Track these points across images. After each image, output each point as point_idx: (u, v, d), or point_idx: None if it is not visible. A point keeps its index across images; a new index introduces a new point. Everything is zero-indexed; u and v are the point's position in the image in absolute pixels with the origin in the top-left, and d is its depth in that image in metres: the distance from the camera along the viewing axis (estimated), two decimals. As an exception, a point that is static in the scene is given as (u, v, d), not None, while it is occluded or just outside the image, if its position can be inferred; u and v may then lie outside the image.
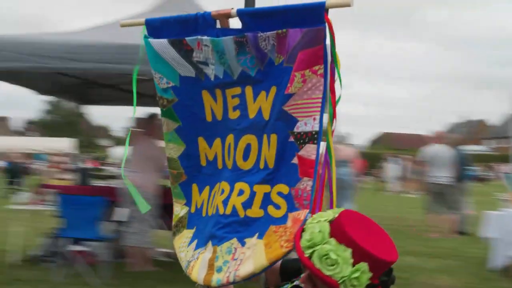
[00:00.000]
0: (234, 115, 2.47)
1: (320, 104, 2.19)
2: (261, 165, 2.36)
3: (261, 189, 2.32)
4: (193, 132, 2.62)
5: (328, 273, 1.67)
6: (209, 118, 2.58)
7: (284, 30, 2.25)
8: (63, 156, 43.14)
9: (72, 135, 60.09)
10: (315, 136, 2.20)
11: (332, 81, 2.20)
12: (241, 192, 2.38)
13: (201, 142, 2.60)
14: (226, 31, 2.45)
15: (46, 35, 6.37)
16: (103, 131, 76.91)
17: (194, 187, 2.66)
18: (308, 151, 2.21)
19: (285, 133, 2.27)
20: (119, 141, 61.60)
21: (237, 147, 2.44)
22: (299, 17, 2.21)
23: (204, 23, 2.50)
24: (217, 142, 2.54)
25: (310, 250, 1.73)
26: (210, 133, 2.57)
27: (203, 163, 2.61)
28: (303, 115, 2.21)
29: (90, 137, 68.00)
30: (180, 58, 2.53)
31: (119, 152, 40.24)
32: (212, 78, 2.50)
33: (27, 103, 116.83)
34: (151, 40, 2.59)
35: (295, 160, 2.24)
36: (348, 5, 2.15)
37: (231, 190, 2.41)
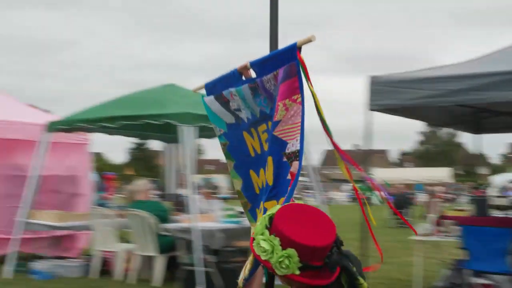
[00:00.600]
0: (266, 146, 2.87)
1: (299, 128, 2.59)
2: (265, 184, 2.80)
3: (269, 205, 2.65)
4: (245, 167, 3.09)
5: (264, 258, 2.03)
6: (252, 153, 3.05)
7: (276, 71, 2.73)
8: (440, 185, 43.42)
9: (447, 164, 60.28)
10: (297, 154, 2.62)
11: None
12: (263, 210, 2.75)
13: (252, 174, 3.03)
14: (246, 80, 2.97)
15: (439, 69, 6.52)
16: (480, 159, 74.62)
17: (257, 211, 2.98)
18: (295, 167, 2.62)
19: (279, 155, 2.68)
20: (497, 169, 59.30)
21: None
22: (283, 58, 2.68)
23: (234, 77, 3.03)
24: (261, 171, 2.93)
25: (254, 240, 2.09)
26: (255, 165, 3.00)
27: (257, 191, 3.02)
28: (290, 138, 2.63)
29: (467, 166, 66.79)
30: (223, 109, 3.08)
31: (499, 180, 38.55)
32: (246, 120, 3.02)
33: (404, 135, 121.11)
34: (205, 98, 3.18)
35: (289, 176, 2.65)
36: (310, 40, 2.61)
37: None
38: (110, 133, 9.75)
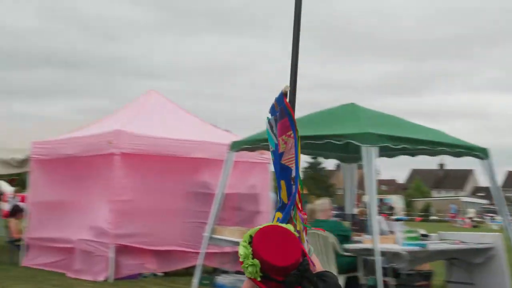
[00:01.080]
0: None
1: (294, 157, 3.21)
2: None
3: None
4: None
5: (240, 259, 2.44)
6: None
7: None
8: None
9: None
10: (293, 178, 3.18)
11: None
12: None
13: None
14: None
15: None
16: None
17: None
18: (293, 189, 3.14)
19: (288, 179, 3.22)
20: None
21: None
22: (279, 102, 3.31)
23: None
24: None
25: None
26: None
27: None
28: (291, 165, 3.21)
29: None
30: (270, 131, 3.48)
31: None
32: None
33: None
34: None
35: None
36: (286, 91, 3.28)
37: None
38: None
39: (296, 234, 2.74)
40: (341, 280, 8.03)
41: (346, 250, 7.92)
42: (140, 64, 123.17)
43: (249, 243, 2.60)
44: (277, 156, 3.55)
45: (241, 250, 2.58)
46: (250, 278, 2.52)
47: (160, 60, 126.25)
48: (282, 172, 3.39)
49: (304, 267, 2.57)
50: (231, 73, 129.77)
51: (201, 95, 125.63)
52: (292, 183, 3.31)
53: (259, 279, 2.52)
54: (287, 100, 3.41)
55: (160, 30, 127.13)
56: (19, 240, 12.00)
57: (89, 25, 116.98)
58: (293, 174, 3.29)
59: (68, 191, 10.79)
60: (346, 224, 9.22)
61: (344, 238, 8.23)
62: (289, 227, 2.80)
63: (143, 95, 12.11)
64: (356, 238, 8.61)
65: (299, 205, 3.30)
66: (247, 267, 2.50)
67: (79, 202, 10.59)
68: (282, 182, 3.37)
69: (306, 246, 3.04)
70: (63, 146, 11.02)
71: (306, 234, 3.16)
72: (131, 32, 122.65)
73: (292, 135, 3.36)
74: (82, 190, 10.43)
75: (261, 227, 2.68)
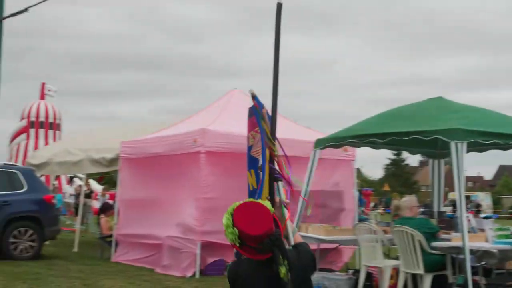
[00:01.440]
0: None
1: (261, 150, 4.24)
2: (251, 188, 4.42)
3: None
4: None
5: (224, 228, 3.12)
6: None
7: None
8: None
9: None
10: (261, 168, 4.22)
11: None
12: None
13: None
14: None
15: None
16: None
17: None
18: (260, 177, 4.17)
19: (256, 168, 4.31)
20: None
21: None
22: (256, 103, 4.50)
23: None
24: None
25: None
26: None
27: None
28: (258, 156, 4.18)
29: None
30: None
31: None
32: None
33: None
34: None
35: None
36: (253, 94, 4.50)
37: None
38: (375, 147, 9.85)
39: (272, 210, 3.24)
40: (429, 278, 7.89)
41: (434, 248, 7.77)
42: (222, 64, 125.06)
43: (231, 214, 3.16)
44: (248, 149, 4.58)
45: (224, 221, 3.15)
46: (231, 245, 3.16)
47: (242, 60, 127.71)
48: (251, 163, 4.41)
49: (275, 237, 3.07)
50: (311, 70, 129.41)
51: (282, 93, 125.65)
52: (259, 171, 4.21)
53: (237, 245, 3.11)
54: (255, 101, 4.48)
55: (241, 30, 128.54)
56: (109, 236, 12.48)
57: (172, 28, 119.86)
58: (260, 163, 4.24)
59: (155, 189, 11.12)
60: (433, 221, 9.02)
61: (432, 235, 8.08)
62: (266, 203, 3.28)
63: (226, 94, 12.29)
64: (444, 236, 8.43)
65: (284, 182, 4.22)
66: (228, 235, 3.12)
67: (166, 199, 10.89)
68: (252, 171, 4.40)
69: (290, 225, 3.84)
70: (151, 145, 11.35)
71: (289, 210, 4.06)
72: (213, 33, 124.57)
73: (259, 131, 4.28)
74: (169, 188, 10.72)
75: (241, 202, 3.26)
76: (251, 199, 3.44)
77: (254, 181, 4.33)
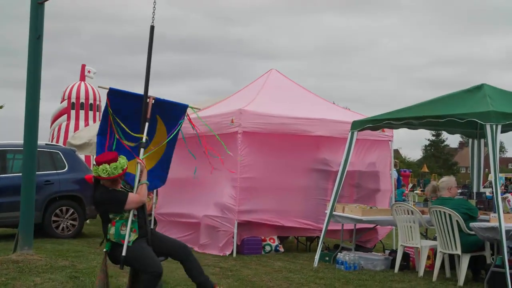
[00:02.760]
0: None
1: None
2: None
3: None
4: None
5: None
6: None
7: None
8: None
9: None
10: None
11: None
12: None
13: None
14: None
15: None
16: None
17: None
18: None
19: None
20: None
21: None
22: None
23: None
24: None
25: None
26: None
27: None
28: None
29: None
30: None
31: None
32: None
33: None
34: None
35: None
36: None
37: None
38: (412, 128, 9.80)
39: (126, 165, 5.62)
40: (466, 259, 7.85)
41: (472, 229, 7.72)
42: (260, 45, 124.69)
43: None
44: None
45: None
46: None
47: (280, 41, 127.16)
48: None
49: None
50: (349, 52, 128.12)
51: (320, 74, 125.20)
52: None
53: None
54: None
55: (280, 11, 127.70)
56: (149, 215, 12.69)
57: (212, 11, 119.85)
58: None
59: (192, 170, 11.23)
60: (472, 202, 8.95)
61: (470, 216, 8.02)
62: (122, 158, 5.61)
63: (264, 75, 12.30)
64: (482, 216, 8.36)
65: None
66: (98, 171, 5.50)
67: (204, 179, 10.99)
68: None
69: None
70: (189, 126, 11.42)
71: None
72: (252, 14, 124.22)
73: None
74: (207, 168, 10.83)
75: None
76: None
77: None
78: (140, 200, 5.65)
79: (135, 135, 5.91)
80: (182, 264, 5.85)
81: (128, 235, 5.54)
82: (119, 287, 6.87)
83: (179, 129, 6.16)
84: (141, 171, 5.75)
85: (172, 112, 6.18)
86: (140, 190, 5.69)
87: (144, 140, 5.85)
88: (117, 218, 5.60)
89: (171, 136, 6.10)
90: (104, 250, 5.64)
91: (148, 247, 5.62)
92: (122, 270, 5.66)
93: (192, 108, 6.34)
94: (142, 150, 5.84)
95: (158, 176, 6.21)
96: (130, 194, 5.62)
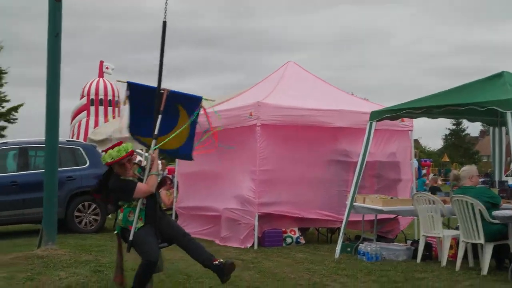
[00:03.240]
0: None
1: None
2: None
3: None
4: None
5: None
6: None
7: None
8: None
9: None
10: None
11: None
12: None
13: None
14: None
15: None
16: None
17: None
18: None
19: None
20: None
21: None
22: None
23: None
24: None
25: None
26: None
27: None
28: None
29: None
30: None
31: None
32: None
33: None
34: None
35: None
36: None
37: None
38: (431, 117, 9.74)
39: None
40: (490, 248, 7.79)
41: (495, 218, 7.65)
42: (276, 38, 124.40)
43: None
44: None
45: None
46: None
47: (296, 33, 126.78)
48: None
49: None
50: (367, 42, 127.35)
51: (338, 65, 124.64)
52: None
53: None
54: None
55: (295, 3, 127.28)
56: (169, 209, 12.76)
57: (227, 5, 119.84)
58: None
59: (213, 163, 11.27)
60: (495, 191, 8.87)
61: (492, 205, 7.95)
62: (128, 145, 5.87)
63: (282, 67, 12.29)
64: (505, 205, 8.28)
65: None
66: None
67: (223, 172, 11.04)
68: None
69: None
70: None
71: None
72: (266, 8, 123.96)
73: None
74: (226, 161, 10.86)
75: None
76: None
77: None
78: (148, 190, 5.84)
79: (142, 139, 6.30)
80: (186, 250, 6.09)
81: (136, 222, 5.77)
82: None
83: (194, 118, 6.25)
84: (152, 163, 5.95)
85: (189, 104, 6.30)
86: (149, 180, 5.88)
87: (156, 132, 6.03)
88: (125, 206, 5.87)
89: (190, 121, 6.22)
90: (115, 232, 6.03)
91: (151, 235, 5.82)
92: (129, 252, 5.90)
93: (206, 100, 6.40)
94: (153, 141, 6.00)
95: (188, 151, 6.41)
96: (139, 183, 5.83)
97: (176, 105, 6.22)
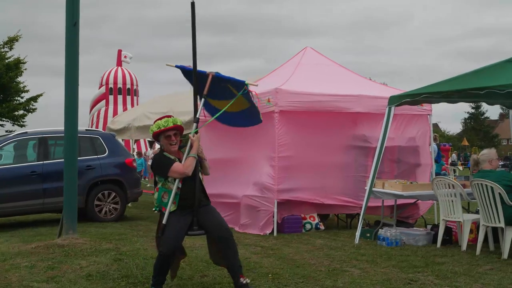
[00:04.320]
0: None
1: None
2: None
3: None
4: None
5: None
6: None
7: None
8: None
9: None
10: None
11: None
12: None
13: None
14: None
15: None
16: None
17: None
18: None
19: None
20: None
21: None
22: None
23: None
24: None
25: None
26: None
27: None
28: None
29: None
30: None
31: None
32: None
33: None
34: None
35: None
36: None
37: None
38: (451, 102, 9.62)
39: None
40: (511, 232, 7.73)
41: (515, 201, 7.58)
42: (294, 23, 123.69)
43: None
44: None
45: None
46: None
47: (314, 19, 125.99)
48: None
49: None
50: (385, 27, 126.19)
51: (356, 50, 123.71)
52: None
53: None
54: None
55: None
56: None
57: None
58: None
59: (232, 150, 11.29)
60: (516, 174, 8.78)
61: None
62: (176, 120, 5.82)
63: (299, 53, 12.23)
64: (525, 188, 8.19)
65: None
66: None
67: (242, 159, 11.04)
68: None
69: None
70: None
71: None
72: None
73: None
74: (245, 148, 10.87)
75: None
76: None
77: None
78: (183, 171, 5.66)
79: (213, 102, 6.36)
80: (218, 243, 5.87)
81: (170, 205, 5.67)
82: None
83: (244, 93, 6.16)
84: (191, 145, 5.82)
85: (235, 87, 6.23)
86: (186, 161, 5.71)
87: (198, 115, 5.98)
88: (160, 185, 5.76)
89: (239, 94, 6.13)
90: (153, 209, 5.89)
91: (179, 224, 5.68)
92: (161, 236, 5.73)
93: (249, 84, 6.24)
94: (194, 124, 5.92)
95: (252, 116, 6.44)
96: (176, 163, 5.71)
97: (226, 85, 6.19)
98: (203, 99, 6.08)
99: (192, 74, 6.12)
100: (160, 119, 5.82)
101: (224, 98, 6.24)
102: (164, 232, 5.66)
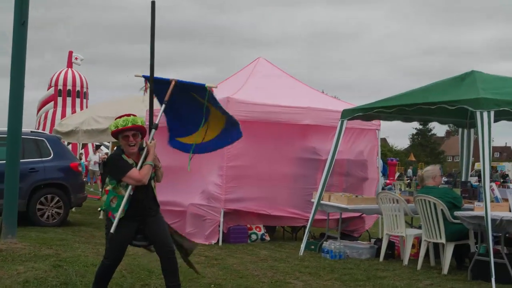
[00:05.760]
0: None
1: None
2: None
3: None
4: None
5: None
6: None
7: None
8: None
9: None
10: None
11: None
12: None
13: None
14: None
15: None
16: None
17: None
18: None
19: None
20: None
21: None
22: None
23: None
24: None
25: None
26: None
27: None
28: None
29: None
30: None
31: None
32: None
33: None
34: None
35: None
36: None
37: None
38: (405, 120, 9.85)
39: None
40: (451, 248, 7.88)
41: (456, 218, 7.75)
42: (247, 33, 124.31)
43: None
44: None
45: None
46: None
47: (268, 30, 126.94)
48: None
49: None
50: (337, 41, 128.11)
51: (308, 63, 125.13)
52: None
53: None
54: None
55: (268, 0, 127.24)
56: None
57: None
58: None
59: (180, 157, 11.16)
60: (457, 191, 8.98)
61: (454, 205, 8.05)
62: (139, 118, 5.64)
63: (252, 63, 12.24)
64: (466, 205, 8.39)
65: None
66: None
67: (191, 167, 10.94)
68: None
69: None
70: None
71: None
72: (241, 3, 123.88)
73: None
74: (194, 156, 10.77)
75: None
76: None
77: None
78: (139, 179, 5.40)
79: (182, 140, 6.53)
80: (160, 260, 5.64)
81: (120, 213, 5.38)
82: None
83: (206, 105, 6.16)
84: (148, 152, 5.57)
85: (197, 92, 6.18)
86: (143, 169, 5.45)
87: (157, 122, 5.90)
88: (111, 188, 5.47)
89: (205, 106, 6.17)
90: (99, 210, 5.72)
91: (127, 234, 5.49)
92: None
93: (208, 87, 6.15)
94: (153, 131, 5.81)
95: (229, 135, 6.41)
96: (133, 169, 5.43)
97: (190, 93, 6.14)
98: (163, 105, 5.98)
99: (159, 83, 6.01)
100: (120, 117, 5.55)
101: (191, 130, 6.32)
102: (110, 241, 5.50)
